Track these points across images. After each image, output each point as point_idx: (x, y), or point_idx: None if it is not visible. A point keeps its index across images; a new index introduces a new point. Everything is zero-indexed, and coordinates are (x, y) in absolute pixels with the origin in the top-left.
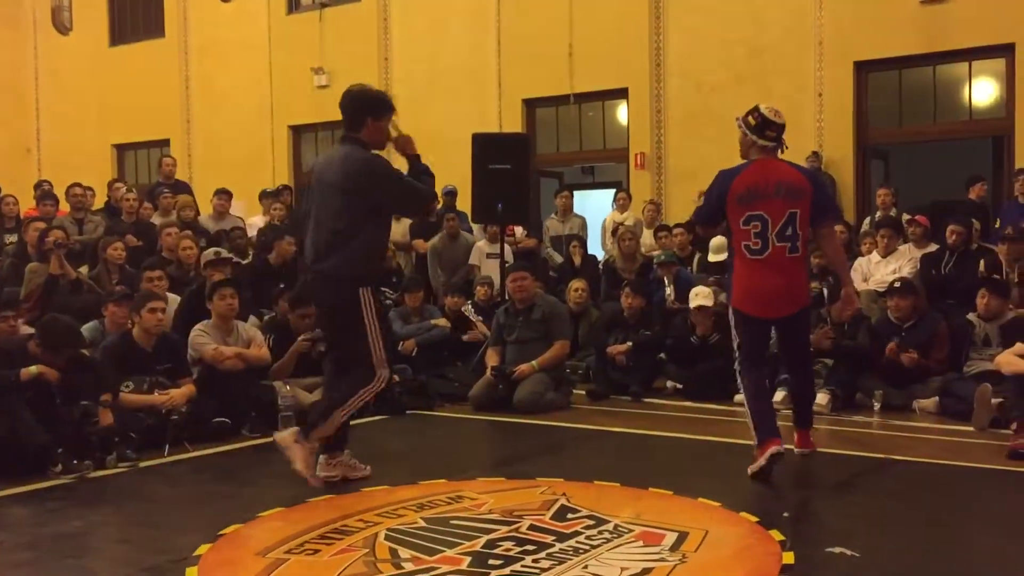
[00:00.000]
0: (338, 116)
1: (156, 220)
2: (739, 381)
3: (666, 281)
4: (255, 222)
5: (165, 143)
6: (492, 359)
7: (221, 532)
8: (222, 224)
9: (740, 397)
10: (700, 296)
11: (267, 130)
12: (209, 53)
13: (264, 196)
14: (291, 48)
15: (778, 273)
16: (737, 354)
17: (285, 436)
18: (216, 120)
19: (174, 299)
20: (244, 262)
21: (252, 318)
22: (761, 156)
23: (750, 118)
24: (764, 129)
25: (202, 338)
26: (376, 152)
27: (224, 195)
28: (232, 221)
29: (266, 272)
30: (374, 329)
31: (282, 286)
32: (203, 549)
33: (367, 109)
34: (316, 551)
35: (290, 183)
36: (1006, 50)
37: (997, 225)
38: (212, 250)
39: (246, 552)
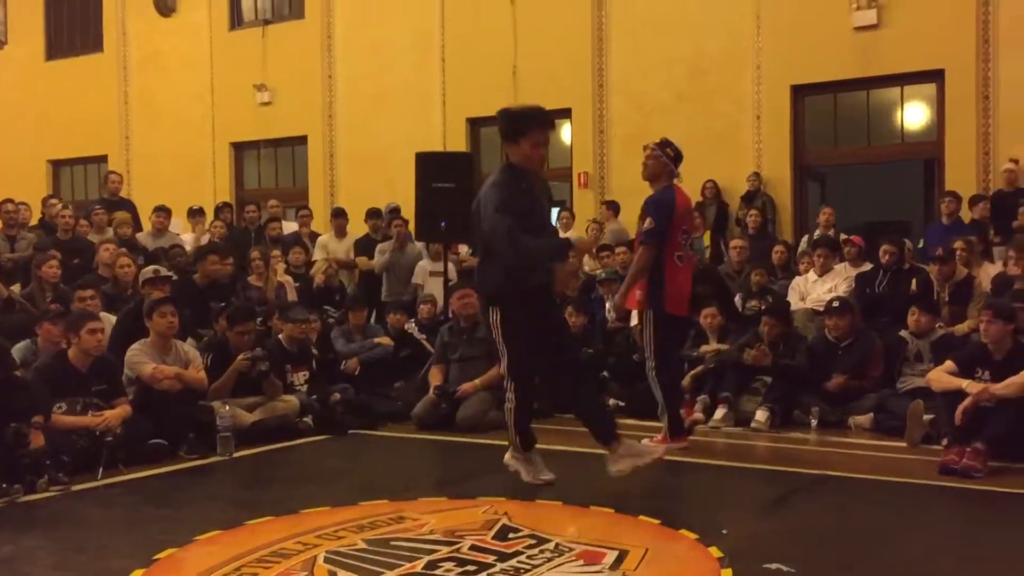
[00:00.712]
0: (280, 133)
1: (93, 237)
2: (656, 379)
3: (607, 300)
4: (188, 239)
5: (102, 159)
6: (435, 378)
7: (156, 556)
8: (160, 241)
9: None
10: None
11: (208, 147)
12: (148, 68)
13: (192, 214)
14: (233, 64)
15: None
16: (654, 356)
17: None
18: (155, 136)
19: (109, 318)
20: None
21: (190, 339)
22: (671, 182)
23: (668, 150)
24: (678, 160)
25: (139, 358)
26: (512, 172)
27: (162, 212)
28: (171, 239)
29: (197, 291)
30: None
31: (223, 304)
32: (138, 574)
33: (512, 127)
34: (254, 574)
35: (231, 200)
36: (936, 76)
37: (920, 245)
38: (150, 268)
39: None
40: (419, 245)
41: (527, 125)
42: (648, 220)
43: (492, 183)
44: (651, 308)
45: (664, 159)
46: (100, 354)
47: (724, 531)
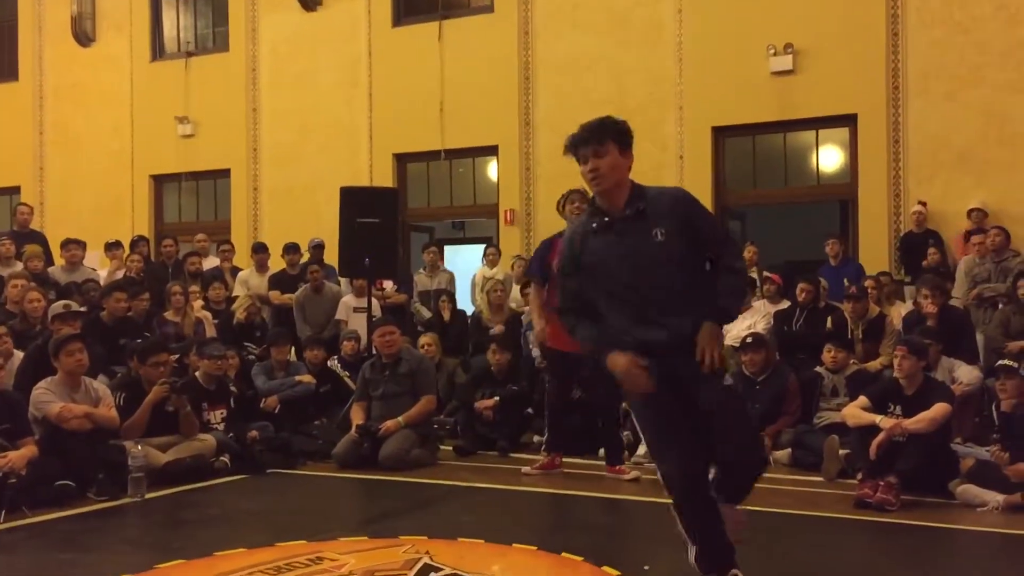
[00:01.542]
0: (203, 166)
1: (2, 271)
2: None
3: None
4: (104, 274)
5: (15, 190)
6: (357, 415)
7: None
8: (74, 276)
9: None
10: None
11: (127, 179)
12: (66, 98)
13: (108, 248)
14: (154, 96)
15: None
16: None
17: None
18: (71, 167)
19: (17, 355)
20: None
21: (101, 376)
22: None
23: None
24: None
25: (46, 396)
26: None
27: (76, 245)
28: (85, 273)
29: (107, 328)
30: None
31: (136, 340)
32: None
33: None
34: None
35: (150, 234)
36: (849, 120)
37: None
38: (60, 303)
39: None
40: (342, 281)
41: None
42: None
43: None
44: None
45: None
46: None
47: (646, 567)
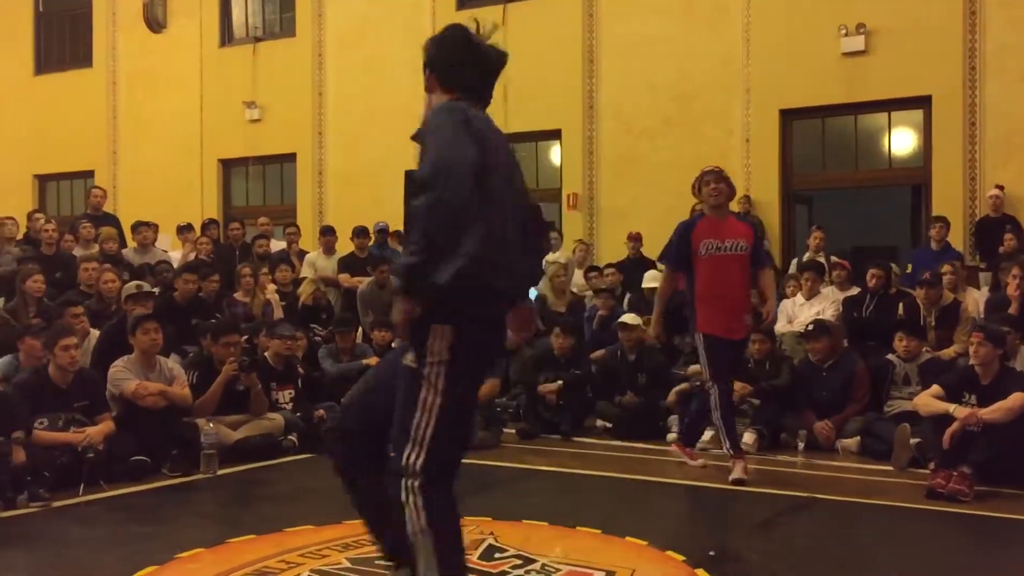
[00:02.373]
0: (269, 151)
1: (78, 252)
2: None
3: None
4: (176, 256)
5: (89, 174)
6: None
7: (137, 574)
8: (146, 257)
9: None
10: (627, 316)
11: (196, 163)
12: (138, 84)
13: (181, 230)
14: (223, 81)
15: None
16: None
17: None
18: (143, 152)
19: (93, 334)
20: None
21: (174, 355)
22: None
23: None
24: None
25: (123, 374)
26: None
27: (147, 228)
28: (157, 255)
29: (179, 308)
30: None
31: (216, 318)
32: None
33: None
34: None
35: (218, 217)
36: (923, 102)
37: (908, 270)
38: (133, 284)
39: None
40: None
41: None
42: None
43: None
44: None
45: (731, 182)
46: (76, 370)
47: (711, 553)
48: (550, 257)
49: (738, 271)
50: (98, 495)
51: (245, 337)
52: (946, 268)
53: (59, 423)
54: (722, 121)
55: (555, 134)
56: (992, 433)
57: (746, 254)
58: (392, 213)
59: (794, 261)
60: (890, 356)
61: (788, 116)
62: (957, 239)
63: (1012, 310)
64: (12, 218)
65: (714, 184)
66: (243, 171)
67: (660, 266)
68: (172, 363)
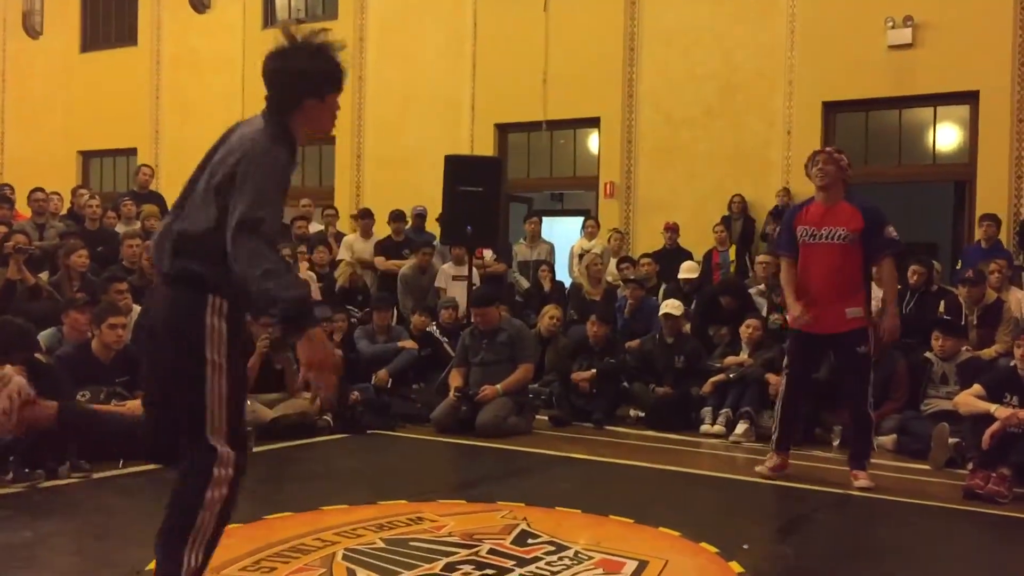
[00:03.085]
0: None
1: (120, 228)
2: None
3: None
4: None
5: (132, 152)
6: (456, 380)
7: None
8: None
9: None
10: (669, 306)
11: None
12: (182, 64)
13: None
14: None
15: None
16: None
17: None
18: (186, 132)
19: (136, 309)
20: None
21: None
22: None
23: (845, 156)
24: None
25: None
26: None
27: None
28: None
29: None
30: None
31: None
32: (153, 565)
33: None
34: (272, 569)
35: None
36: (970, 97)
37: (958, 267)
38: None
39: None
40: (440, 249)
41: (334, 82)
42: (891, 228)
43: (270, 146)
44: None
45: (843, 164)
46: (121, 348)
47: (745, 546)
48: (586, 245)
49: (831, 260)
50: (139, 468)
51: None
52: (994, 266)
53: (101, 396)
54: (764, 113)
55: (594, 122)
56: None
57: (846, 244)
58: (429, 197)
59: None
60: (928, 354)
61: (831, 109)
62: (1002, 238)
63: None
64: (57, 193)
65: (822, 165)
66: None
67: (697, 258)
68: None
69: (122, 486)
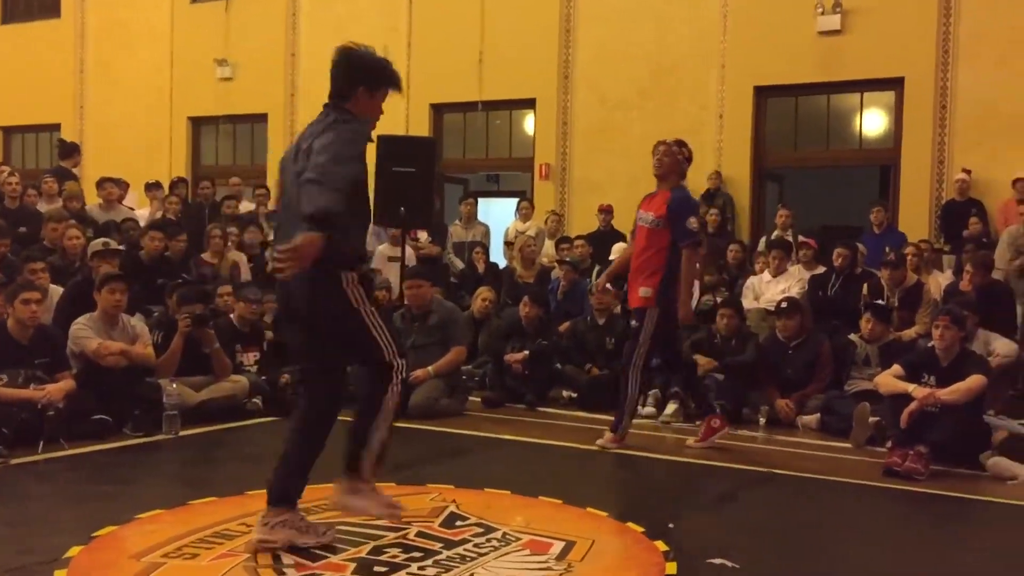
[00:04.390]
0: (240, 110)
1: (42, 207)
2: (636, 375)
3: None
4: (143, 214)
5: (55, 127)
6: None
7: (95, 534)
8: (112, 215)
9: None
10: None
11: (165, 120)
12: (107, 37)
13: (149, 188)
14: (194, 37)
15: None
16: (643, 353)
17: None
18: (111, 107)
19: (56, 290)
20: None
21: (138, 314)
22: (682, 182)
23: (685, 150)
24: (690, 162)
25: (84, 332)
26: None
27: (112, 184)
28: (123, 212)
29: (145, 267)
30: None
31: (178, 281)
32: (75, 551)
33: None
34: (195, 555)
35: (187, 175)
36: (896, 83)
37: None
38: (100, 241)
39: (120, 555)
40: (375, 229)
41: (385, 79)
42: (693, 220)
43: (340, 130)
44: (659, 306)
45: (678, 158)
46: (40, 326)
47: (670, 525)
48: (521, 227)
49: (642, 242)
50: (58, 453)
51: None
52: (909, 250)
53: (19, 379)
54: (697, 96)
55: (530, 103)
56: (949, 414)
57: (654, 228)
58: None
59: (763, 239)
60: (852, 336)
61: (762, 93)
62: (923, 222)
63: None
64: None
65: (658, 156)
66: (213, 130)
67: (629, 238)
68: (136, 322)
69: (41, 472)
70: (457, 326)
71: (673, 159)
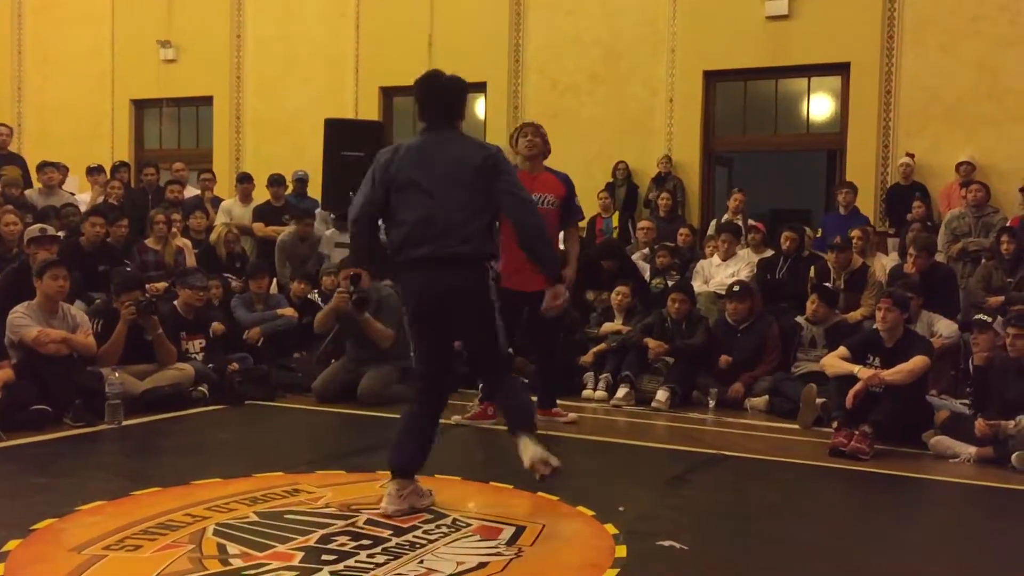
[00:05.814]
0: (185, 92)
1: None
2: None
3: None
4: (84, 199)
5: None
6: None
7: (33, 527)
8: (51, 200)
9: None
10: None
11: (107, 103)
12: (45, 17)
13: (90, 172)
14: (136, 18)
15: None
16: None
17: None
18: (50, 89)
19: None
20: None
21: (79, 302)
22: None
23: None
24: None
25: (23, 320)
26: None
27: (52, 168)
28: (64, 197)
29: (85, 253)
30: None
31: (120, 267)
32: (12, 544)
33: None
34: (137, 547)
35: (129, 160)
36: (842, 68)
37: (819, 234)
38: (36, 227)
39: (59, 548)
40: (322, 214)
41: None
42: (577, 198)
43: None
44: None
45: (547, 138)
46: None
47: (621, 508)
48: None
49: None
50: (5, 444)
51: (164, 285)
52: (855, 233)
53: None
54: (647, 80)
55: (480, 87)
56: (893, 394)
57: (555, 209)
58: (311, 162)
59: (713, 222)
60: (799, 319)
61: (711, 78)
62: (868, 205)
63: (914, 277)
64: None
65: (531, 137)
66: (157, 113)
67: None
68: (76, 310)
69: None
70: (389, 310)
71: (543, 139)
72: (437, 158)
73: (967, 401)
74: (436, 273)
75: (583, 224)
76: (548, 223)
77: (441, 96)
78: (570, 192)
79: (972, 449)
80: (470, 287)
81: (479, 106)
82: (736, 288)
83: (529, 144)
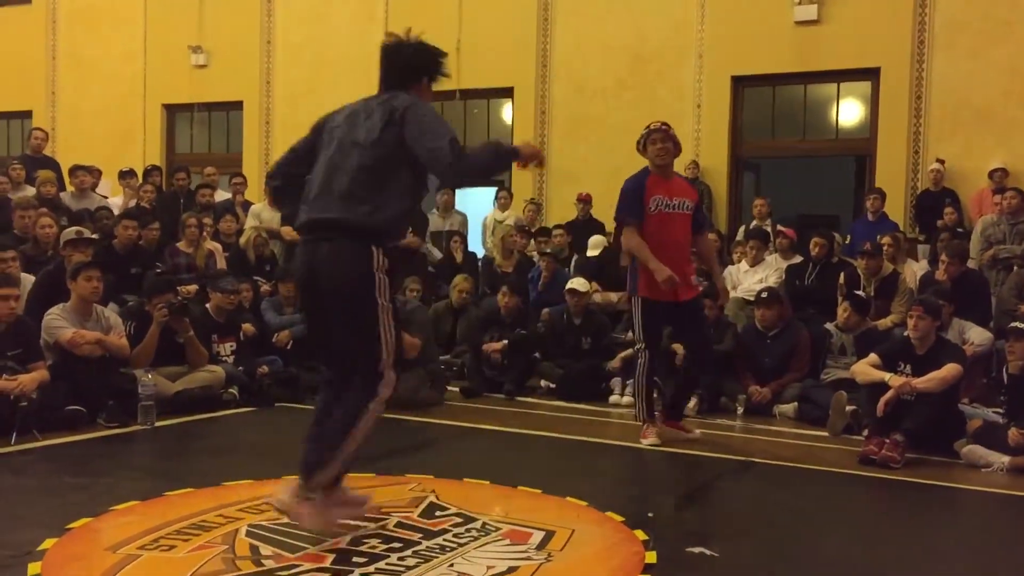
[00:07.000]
0: (215, 97)
1: (12, 195)
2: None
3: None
4: (116, 202)
5: (27, 115)
6: None
7: (69, 526)
8: (84, 203)
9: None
10: (575, 283)
11: (139, 107)
12: (79, 22)
13: (123, 176)
14: (168, 23)
15: None
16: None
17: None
18: (84, 94)
19: (28, 279)
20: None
21: (112, 304)
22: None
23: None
24: None
25: (58, 322)
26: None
27: (85, 172)
28: (96, 200)
29: (119, 256)
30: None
31: (157, 271)
32: (49, 543)
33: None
34: (171, 547)
35: (161, 164)
36: (872, 74)
37: (847, 241)
38: (72, 229)
39: (95, 547)
40: None
41: (445, 71)
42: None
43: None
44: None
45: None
46: (12, 320)
47: (650, 514)
48: (499, 216)
49: (684, 229)
50: (31, 444)
51: (195, 288)
52: (886, 239)
53: None
54: (675, 85)
55: (507, 92)
56: (925, 402)
57: (691, 213)
58: None
59: (741, 228)
60: (828, 325)
61: (739, 83)
62: (898, 212)
63: (946, 284)
64: None
65: (660, 144)
66: (188, 117)
67: (609, 229)
68: (109, 312)
69: (13, 464)
70: (412, 324)
71: (675, 144)
72: (363, 113)
73: (1000, 410)
74: (313, 244)
75: (610, 230)
76: (682, 228)
77: (390, 58)
78: (700, 198)
79: (1005, 458)
80: (346, 267)
81: (506, 111)
82: (764, 294)
83: (660, 152)
